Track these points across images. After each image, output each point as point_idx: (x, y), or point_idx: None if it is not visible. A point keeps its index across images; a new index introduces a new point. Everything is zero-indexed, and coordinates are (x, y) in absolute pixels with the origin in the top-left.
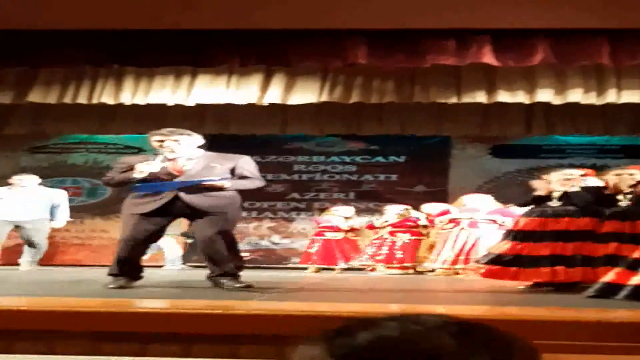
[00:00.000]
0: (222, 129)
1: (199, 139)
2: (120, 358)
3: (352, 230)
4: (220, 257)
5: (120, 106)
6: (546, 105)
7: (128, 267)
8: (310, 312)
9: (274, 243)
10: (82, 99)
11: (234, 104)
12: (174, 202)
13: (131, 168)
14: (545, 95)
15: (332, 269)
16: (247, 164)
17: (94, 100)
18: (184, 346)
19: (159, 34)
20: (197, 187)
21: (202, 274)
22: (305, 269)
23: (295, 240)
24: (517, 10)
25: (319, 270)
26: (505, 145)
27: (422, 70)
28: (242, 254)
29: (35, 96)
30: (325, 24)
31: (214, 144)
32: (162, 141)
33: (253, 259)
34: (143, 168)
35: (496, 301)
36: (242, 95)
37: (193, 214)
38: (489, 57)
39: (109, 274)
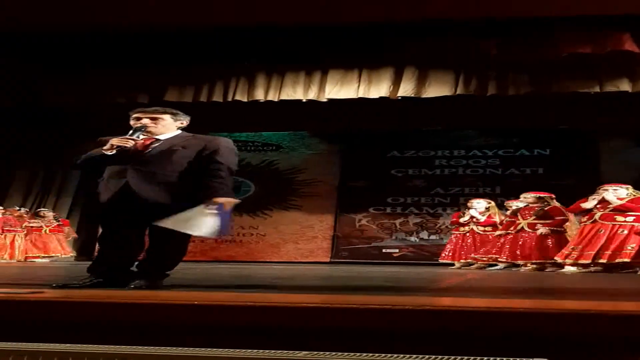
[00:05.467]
0: (356, 125)
1: (184, 120)
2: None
3: (490, 224)
4: None
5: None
6: None
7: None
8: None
9: (422, 239)
10: (216, 97)
11: (367, 99)
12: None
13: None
14: None
15: (471, 264)
16: (222, 145)
17: (229, 98)
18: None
19: (289, 32)
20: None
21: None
22: (452, 264)
23: (445, 237)
24: None
25: (467, 265)
26: None
27: (559, 60)
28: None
29: (171, 96)
30: (459, 15)
31: (346, 140)
32: (139, 119)
33: (402, 255)
34: (117, 143)
35: None
36: (374, 90)
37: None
38: (629, 44)
39: None
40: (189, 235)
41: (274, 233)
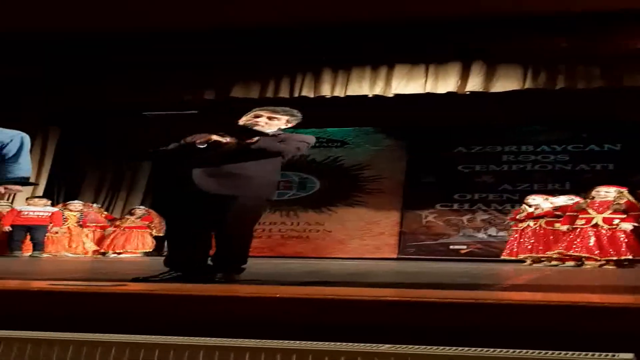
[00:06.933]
0: (422, 120)
1: (294, 122)
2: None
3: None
4: None
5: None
6: None
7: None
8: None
9: (490, 236)
10: (283, 93)
11: (432, 94)
12: None
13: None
14: None
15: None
16: (295, 137)
17: (295, 94)
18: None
19: (355, 27)
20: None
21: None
22: (522, 261)
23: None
24: None
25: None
26: None
27: (631, 53)
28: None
29: (237, 92)
30: (526, 9)
31: (412, 136)
32: (259, 116)
33: (470, 252)
34: (216, 138)
35: None
36: (441, 85)
37: None
38: None
39: None
40: (252, 226)
41: (340, 229)
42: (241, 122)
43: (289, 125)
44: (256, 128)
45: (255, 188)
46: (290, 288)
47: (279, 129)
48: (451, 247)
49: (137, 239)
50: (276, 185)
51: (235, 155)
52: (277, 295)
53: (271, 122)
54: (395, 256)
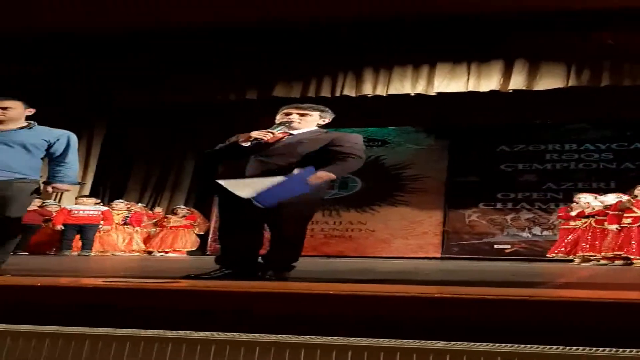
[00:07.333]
0: (463, 119)
1: (327, 118)
2: None
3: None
4: None
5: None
6: None
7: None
8: None
9: (535, 235)
10: (324, 92)
11: (474, 92)
12: None
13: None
14: None
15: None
16: (347, 139)
17: (336, 93)
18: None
19: (396, 25)
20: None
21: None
22: (570, 260)
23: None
24: None
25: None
26: None
27: None
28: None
29: (279, 91)
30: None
31: (453, 135)
32: (289, 114)
33: (515, 251)
34: (256, 135)
35: None
36: (484, 84)
37: None
38: None
39: None
40: (306, 224)
41: (383, 228)
42: (277, 121)
43: (325, 120)
44: (293, 125)
45: (309, 187)
46: (343, 285)
47: (318, 126)
48: (495, 246)
49: (183, 238)
50: (328, 184)
51: (317, 162)
52: (331, 292)
53: (304, 119)
54: (439, 255)
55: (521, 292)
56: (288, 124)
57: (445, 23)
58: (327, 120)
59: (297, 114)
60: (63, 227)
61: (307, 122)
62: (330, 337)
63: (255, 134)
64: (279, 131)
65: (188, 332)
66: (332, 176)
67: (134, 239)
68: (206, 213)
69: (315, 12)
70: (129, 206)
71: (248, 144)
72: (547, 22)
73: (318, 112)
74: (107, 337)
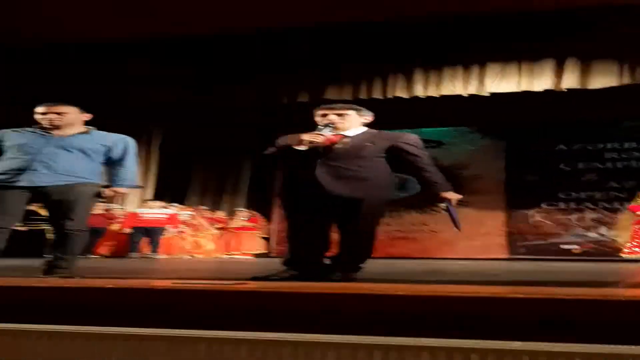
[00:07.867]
0: (518, 118)
1: (368, 116)
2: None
3: None
4: None
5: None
6: None
7: None
8: None
9: (602, 235)
10: (376, 94)
11: (529, 92)
12: None
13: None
14: None
15: None
16: (410, 140)
17: (388, 95)
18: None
19: (444, 25)
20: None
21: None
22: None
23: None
24: None
25: None
26: None
27: None
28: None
29: (330, 93)
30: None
31: (509, 134)
32: (325, 115)
33: (584, 252)
34: (308, 138)
35: None
36: (537, 83)
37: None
38: None
39: None
40: (378, 224)
41: (446, 229)
42: (318, 122)
43: (367, 119)
44: (338, 125)
45: (378, 189)
46: (413, 286)
47: (364, 125)
48: (562, 246)
49: (248, 241)
50: (394, 185)
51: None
52: (400, 293)
53: (343, 119)
54: (506, 256)
55: (593, 292)
56: (332, 125)
57: (492, 23)
58: (369, 119)
59: (335, 114)
60: (132, 230)
61: (349, 122)
62: (412, 338)
63: (306, 136)
64: (329, 133)
65: (261, 333)
66: (459, 196)
67: (204, 241)
68: (267, 215)
69: (363, 15)
70: (193, 210)
71: (305, 147)
72: (595, 19)
73: (354, 111)
74: (180, 338)
